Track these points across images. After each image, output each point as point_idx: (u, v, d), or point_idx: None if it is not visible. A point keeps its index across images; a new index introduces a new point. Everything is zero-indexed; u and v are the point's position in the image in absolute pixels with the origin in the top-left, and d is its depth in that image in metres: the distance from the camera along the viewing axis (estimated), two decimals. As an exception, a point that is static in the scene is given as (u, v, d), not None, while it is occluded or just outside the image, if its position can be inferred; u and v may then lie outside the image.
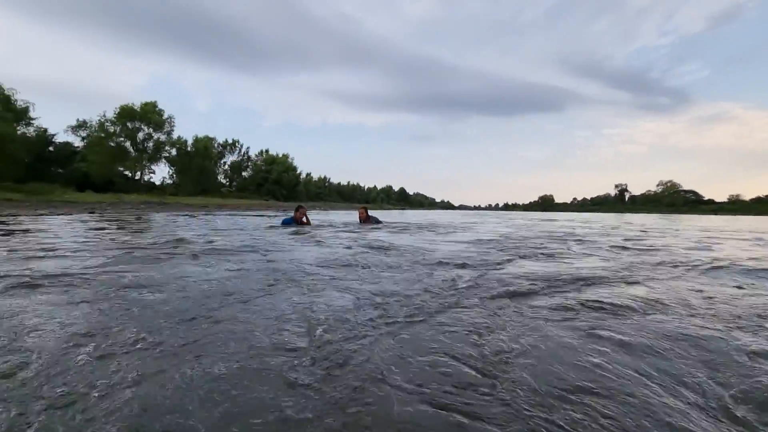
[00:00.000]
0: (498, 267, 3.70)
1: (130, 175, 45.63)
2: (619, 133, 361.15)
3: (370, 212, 10.57)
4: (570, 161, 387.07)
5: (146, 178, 48.24)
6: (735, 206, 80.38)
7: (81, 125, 41.86)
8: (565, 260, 4.28)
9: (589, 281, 3.04)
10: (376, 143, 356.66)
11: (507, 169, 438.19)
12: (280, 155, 69.86)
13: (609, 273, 3.43)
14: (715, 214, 61.77)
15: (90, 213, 14.29)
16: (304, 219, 8.75)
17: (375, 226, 9.51)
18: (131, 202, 25.03)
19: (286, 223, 8.56)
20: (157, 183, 50.98)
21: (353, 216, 16.13)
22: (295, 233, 6.83)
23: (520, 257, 4.46)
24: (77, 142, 42.30)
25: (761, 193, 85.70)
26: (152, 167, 48.34)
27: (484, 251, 4.88)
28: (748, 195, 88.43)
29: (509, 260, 4.18)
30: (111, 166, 41.02)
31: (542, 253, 4.82)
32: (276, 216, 16.59)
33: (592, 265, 3.90)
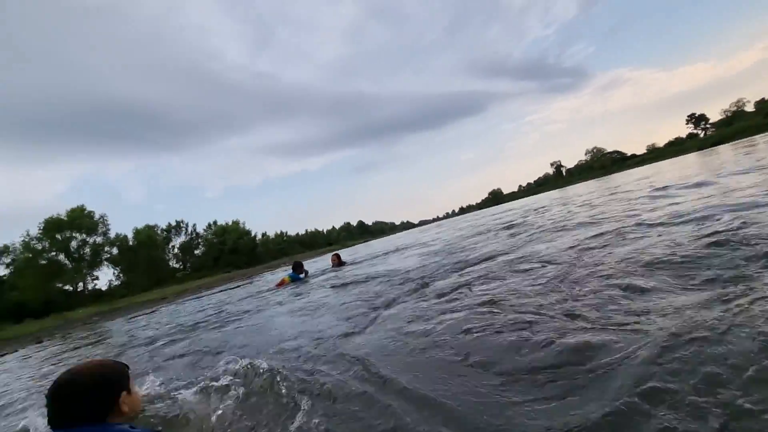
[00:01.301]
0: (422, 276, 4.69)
1: (71, 288, 42.12)
2: (539, 118, 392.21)
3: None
4: (506, 153, 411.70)
5: (90, 286, 44.80)
6: (654, 154, 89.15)
7: (2, 251, 38.42)
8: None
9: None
10: (323, 185, 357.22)
11: (453, 175, 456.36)
12: (231, 223, 68.03)
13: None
14: (639, 166, 68.02)
15: (38, 343, 13.06)
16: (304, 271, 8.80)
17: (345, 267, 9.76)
18: (80, 318, 23.09)
19: (294, 279, 8.44)
20: (104, 288, 47.47)
21: (319, 263, 16.07)
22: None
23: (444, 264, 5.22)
24: (1, 271, 38.69)
25: (671, 137, 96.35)
26: (94, 273, 45.12)
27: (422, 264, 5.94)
28: (661, 142, 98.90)
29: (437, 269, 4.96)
30: (46, 285, 37.69)
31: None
32: (240, 286, 16.11)
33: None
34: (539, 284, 2.94)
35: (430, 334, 2.41)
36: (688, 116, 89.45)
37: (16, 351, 11.94)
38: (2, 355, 11.61)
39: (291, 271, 8.66)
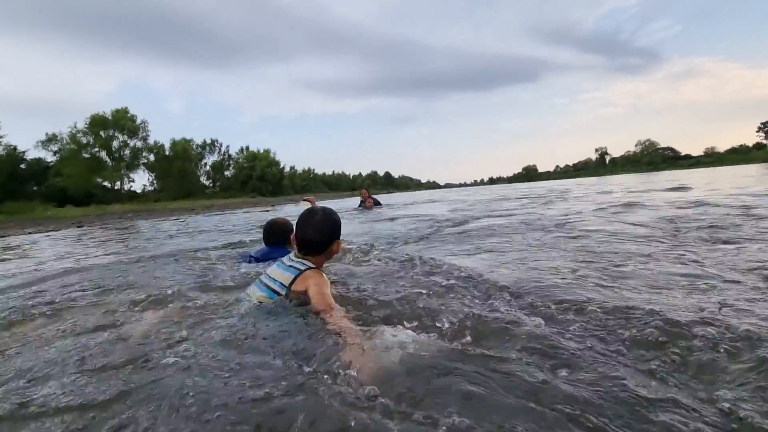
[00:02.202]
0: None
1: (109, 185, 44.56)
2: (595, 97, 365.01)
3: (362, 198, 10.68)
4: (550, 129, 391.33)
5: (126, 187, 47.26)
6: (711, 159, 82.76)
7: (51, 139, 40.53)
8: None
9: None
10: (357, 130, 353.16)
11: (489, 143, 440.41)
12: (262, 151, 68.91)
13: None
14: (692, 168, 63.65)
15: (79, 227, 14.15)
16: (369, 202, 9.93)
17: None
18: (116, 212, 24.68)
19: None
20: (138, 191, 50.03)
21: (343, 203, 16.32)
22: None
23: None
24: (49, 157, 41.05)
25: (735, 144, 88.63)
26: (131, 175, 47.35)
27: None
28: (722, 147, 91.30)
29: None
30: (88, 177, 39.94)
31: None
32: (267, 211, 16.67)
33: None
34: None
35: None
36: (761, 123, 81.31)
37: (59, 230, 13.01)
38: (48, 231, 12.70)
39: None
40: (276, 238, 2.85)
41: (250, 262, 2.80)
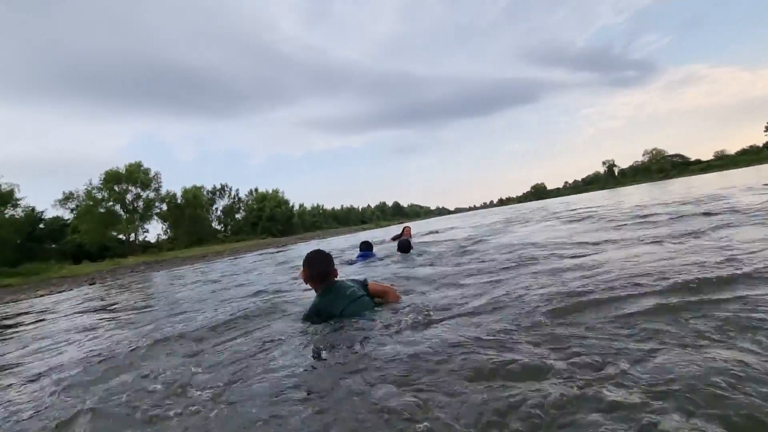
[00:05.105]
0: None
1: (124, 238, 45.40)
2: (596, 112, 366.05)
3: (366, 239, 10.12)
4: (556, 147, 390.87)
5: (141, 237, 48.06)
6: (722, 162, 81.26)
7: (68, 197, 41.90)
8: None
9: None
10: (362, 163, 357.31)
11: (496, 165, 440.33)
12: (271, 191, 70.09)
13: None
14: (704, 173, 62.46)
15: (90, 284, 14.20)
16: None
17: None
18: (129, 265, 24.91)
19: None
20: (153, 240, 50.81)
21: (351, 240, 16.11)
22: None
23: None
24: (66, 215, 42.26)
25: (745, 145, 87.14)
26: (145, 226, 48.26)
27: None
28: (732, 149, 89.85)
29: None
30: (103, 232, 40.81)
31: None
32: (276, 252, 16.58)
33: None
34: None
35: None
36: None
37: (71, 290, 13.04)
38: (60, 291, 12.74)
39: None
40: (366, 247, 6.34)
41: (357, 259, 6.07)
